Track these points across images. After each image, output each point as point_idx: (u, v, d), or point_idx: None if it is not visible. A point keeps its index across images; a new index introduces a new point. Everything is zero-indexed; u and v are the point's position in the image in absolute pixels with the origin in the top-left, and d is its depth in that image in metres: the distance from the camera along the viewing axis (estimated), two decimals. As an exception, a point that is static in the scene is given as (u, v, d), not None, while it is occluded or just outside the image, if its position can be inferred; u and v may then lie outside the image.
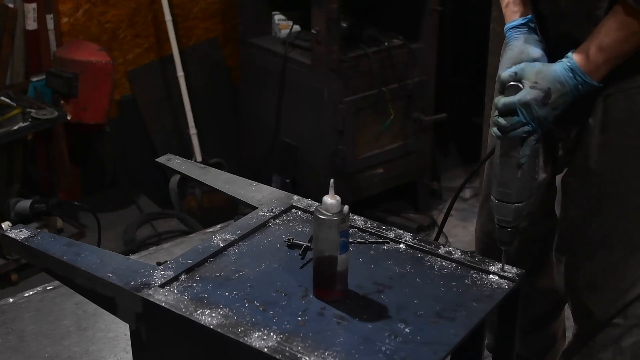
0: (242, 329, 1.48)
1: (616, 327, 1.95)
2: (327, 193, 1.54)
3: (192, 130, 3.83)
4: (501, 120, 1.69)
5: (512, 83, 1.70)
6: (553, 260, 2.11)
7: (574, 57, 1.69)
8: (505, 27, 1.87)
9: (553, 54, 1.78)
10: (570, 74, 1.68)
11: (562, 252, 2.01)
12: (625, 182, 1.82)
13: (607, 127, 1.79)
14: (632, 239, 1.87)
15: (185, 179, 3.52)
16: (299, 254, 1.73)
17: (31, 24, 3.48)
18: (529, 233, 2.09)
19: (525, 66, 1.71)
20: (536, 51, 1.77)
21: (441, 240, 3.61)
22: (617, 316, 1.94)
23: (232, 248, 1.75)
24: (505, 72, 1.71)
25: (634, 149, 1.80)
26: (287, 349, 1.43)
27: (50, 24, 3.54)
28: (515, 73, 1.70)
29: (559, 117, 1.75)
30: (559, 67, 1.70)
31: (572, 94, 1.70)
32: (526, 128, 1.68)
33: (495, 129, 1.72)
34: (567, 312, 2.23)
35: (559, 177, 2.03)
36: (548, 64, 1.73)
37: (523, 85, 1.69)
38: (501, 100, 1.70)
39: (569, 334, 2.26)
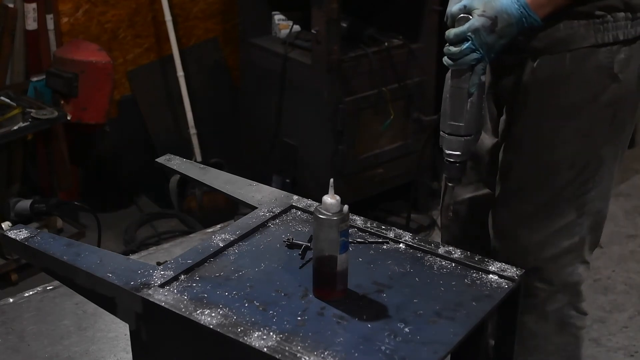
0: (242, 328, 1.48)
1: (540, 292, 2.01)
2: (327, 193, 1.54)
3: (192, 130, 3.83)
4: (452, 48, 1.79)
5: (462, 15, 1.79)
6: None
7: None
8: None
9: None
10: (517, 6, 1.77)
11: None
12: (541, 138, 1.93)
13: (531, 87, 1.90)
14: (542, 193, 1.96)
15: (185, 179, 3.51)
16: (299, 254, 1.73)
17: (31, 24, 3.48)
18: (476, 198, 2.18)
19: None
20: None
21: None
22: (539, 278, 1.99)
23: (232, 248, 1.75)
24: (454, 7, 1.81)
25: (552, 107, 1.90)
26: (287, 348, 1.43)
27: (50, 24, 3.54)
28: (465, 6, 1.79)
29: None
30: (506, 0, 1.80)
31: (517, 25, 1.79)
32: (475, 55, 1.78)
33: (446, 58, 1.81)
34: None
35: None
36: None
37: (472, 16, 1.79)
38: (452, 31, 1.79)
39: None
